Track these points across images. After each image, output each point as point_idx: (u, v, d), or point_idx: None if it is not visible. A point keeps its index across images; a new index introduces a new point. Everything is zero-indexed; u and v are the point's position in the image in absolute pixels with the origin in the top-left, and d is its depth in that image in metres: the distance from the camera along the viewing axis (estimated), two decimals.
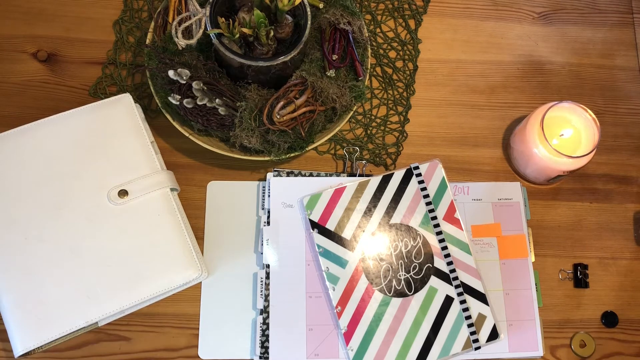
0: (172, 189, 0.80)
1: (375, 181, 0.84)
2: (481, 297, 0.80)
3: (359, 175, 0.86)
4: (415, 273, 0.81)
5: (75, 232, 0.75)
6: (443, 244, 0.82)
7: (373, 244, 0.81)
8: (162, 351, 0.80)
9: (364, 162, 0.88)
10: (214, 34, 0.76)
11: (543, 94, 0.95)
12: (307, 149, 0.82)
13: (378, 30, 0.96)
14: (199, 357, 0.80)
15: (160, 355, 0.80)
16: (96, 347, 0.79)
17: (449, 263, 0.81)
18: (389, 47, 0.95)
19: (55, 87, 0.89)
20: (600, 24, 0.99)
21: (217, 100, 0.78)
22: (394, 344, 0.78)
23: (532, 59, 0.96)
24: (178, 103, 0.78)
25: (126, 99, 0.82)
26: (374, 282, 0.80)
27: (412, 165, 0.85)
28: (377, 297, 0.79)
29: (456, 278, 0.80)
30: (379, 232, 0.82)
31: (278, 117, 0.79)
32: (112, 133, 0.80)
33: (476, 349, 0.79)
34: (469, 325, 0.79)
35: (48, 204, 0.76)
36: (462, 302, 0.80)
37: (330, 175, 0.86)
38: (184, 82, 0.77)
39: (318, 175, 0.86)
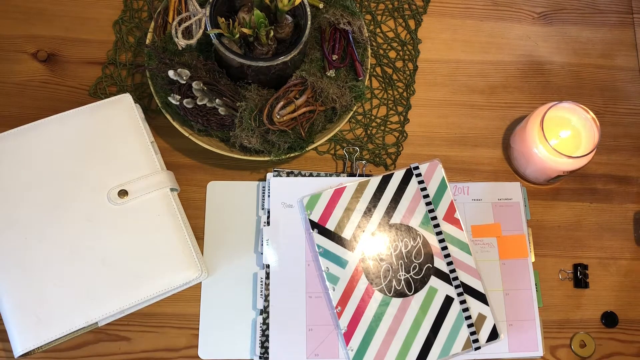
0: (172, 189, 0.80)
1: (375, 181, 0.84)
2: (481, 297, 0.80)
3: (359, 176, 0.86)
4: (415, 273, 0.81)
5: (75, 232, 0.75)
6: (443, 244, 0.82)
7: (373, 244, 0.81)
8: (162, 351, 0.80)
9: (363, 162, 0.88)
10: (214, 34, 0.76)
11: (543, 94, 0.95)
12: (307, 149, 0.82)
13: (378, 30, 0.96)
14: (199, 357, 0.80)
15: (160, 355, 0.80)
16: (96, 347, 0.79)
17: (449, 263, 0.81)
18: (389, 47, 0.95)
19: (55, 87, 0.89)
20: (600, 24, 0.99)
21: (217, 100, 0.78)
22: (394, 344, 0.78)
23: (532, 59, 0.96)
24: (178, 103, 0.78)
25: (126, 99, 0.82)
26: (374, 282, 0.80)
27: (412, 165, 0.85)
28: (377, 297, 0.79)
29: (456, 278, 0.80)
30: (379, 232, 0.82)
31: (278, 117, 0.79)
32: (112, 133, 0.80)
33: (476, 349, 0.79)
34: (469, 326, 0.79)
35: (48, 204, 0.76)
36: (462, 302, 0.80)
37: (330, 175, 0.86)
38: (184, 82, 0.77)
39: (318, 175, 0.86)
